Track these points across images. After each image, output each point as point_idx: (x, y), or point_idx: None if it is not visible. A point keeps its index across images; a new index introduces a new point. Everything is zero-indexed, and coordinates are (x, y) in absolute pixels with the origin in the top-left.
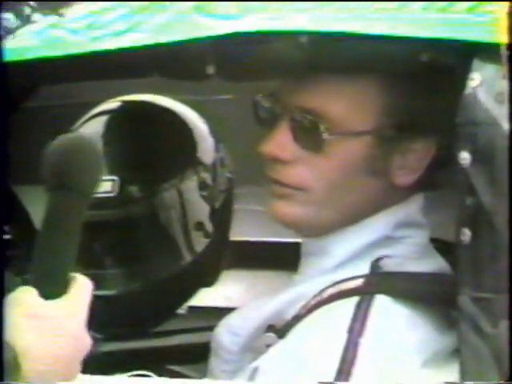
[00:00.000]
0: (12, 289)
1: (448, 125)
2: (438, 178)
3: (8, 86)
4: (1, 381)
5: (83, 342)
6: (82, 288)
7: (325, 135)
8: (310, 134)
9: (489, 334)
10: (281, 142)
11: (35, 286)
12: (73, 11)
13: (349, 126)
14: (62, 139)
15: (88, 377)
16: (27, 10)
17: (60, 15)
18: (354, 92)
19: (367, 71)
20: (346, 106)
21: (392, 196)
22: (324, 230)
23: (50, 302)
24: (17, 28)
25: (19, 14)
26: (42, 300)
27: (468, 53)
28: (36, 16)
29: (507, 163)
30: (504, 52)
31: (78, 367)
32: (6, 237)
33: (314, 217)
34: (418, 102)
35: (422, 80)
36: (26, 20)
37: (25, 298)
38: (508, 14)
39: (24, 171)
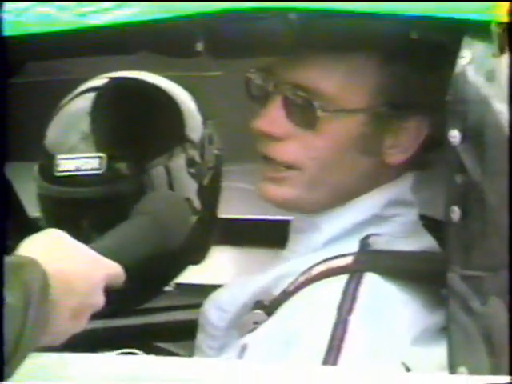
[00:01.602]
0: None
1: (440, 104)
2: (428, 158)
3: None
4: (1, 381)
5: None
6: None
7: (318, 112)
8: (303, 110)
9: (478, 311)
10: (273, 118)
11: None
12: None
13: (342, 103)
14: None
15: (75, 355)
16: None
17: None
18: (347, 69)
19: (357, 48)
20: (340, 83)
21: (383, 175)
22: (314, 208)
23: None
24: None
25: None
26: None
27: (458, 30)
28: None
29: (500, 144)
30: (495, 29)
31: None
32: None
33: (305, 197)
34: (411, 81)
35: (415, 59)
36: None
37: (58, 232)
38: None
39: (12, 148)
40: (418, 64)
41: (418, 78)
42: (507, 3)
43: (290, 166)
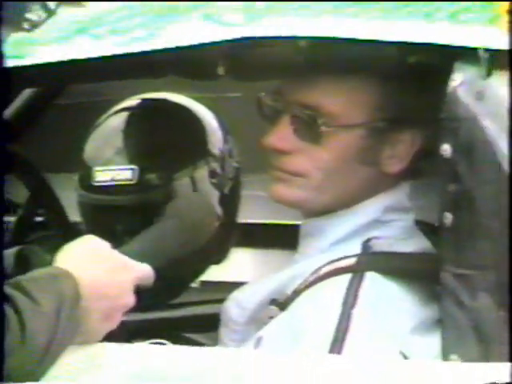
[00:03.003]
0: (40, 266)
1: (432, 118)
2: (422, 167)
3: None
4: (1, 381)
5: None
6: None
7: (322, 128)
8: (308, 127)
9: (468, 306)
10: (282, 135)
11: None
12: (95, 13)
13: (344, 119)
14: None
15: (111, 344)
16: (51, 5)
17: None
18: (348, 89)
19: (358, 71)
20: (342, 101)
21: (382, 183)
22: (320, 210)
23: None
24: (42, 22)
25: (43, 8)
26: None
27: (451, 56)
28: (59, 9)
29: (488, 157)
30: (483, 55)
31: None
32: (39, 219)
33: (311, 200)
34: (406, 99)
35: (410, 79)
36: (49, 13)
37: (93, 240)
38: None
39: (56, 161)
40: (413, 84)
41: (413, 96)
42: (507, 3)
43: (297, 175)
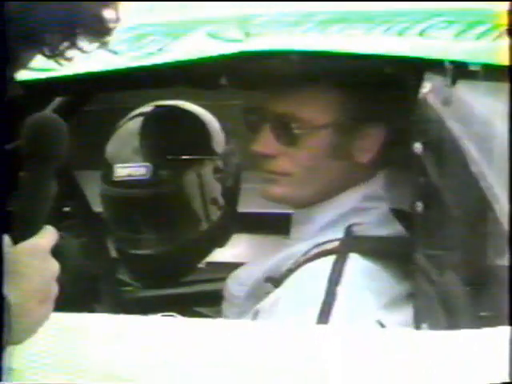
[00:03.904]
0: (68, 249)
1: (392, 116)
2: (395, 161)
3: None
4: (0, 381)
5: (48, 270)
6: (44, 232)
7: (296, 131)
8: (285, 132)
9: (437, 282)
10: (265, 142)
11: (15, 235)
12: (114, 37)
13: (314, 122)
14: (33, 117)
15: (128, 316)
16: (76, 38)
17: (104, 43)
18: (319, 97)
19: (334, 83)
20: (312, 107)
21: (359, 175)
22: (304, 203)
23: (17, 246)
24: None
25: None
26: (9, 245)
27: (421, 67)
28: (84, 43)
29: (453, 154)
30: (448, 66)
31: (52, 295)
32: (65, 209)
33: (296, 195)
34: (367, 101)
35: (369, 86)
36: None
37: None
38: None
39: (84, 160)
40: (371, 91)
41: (372, 100)
42: (507, 3)
43: (282, 174)
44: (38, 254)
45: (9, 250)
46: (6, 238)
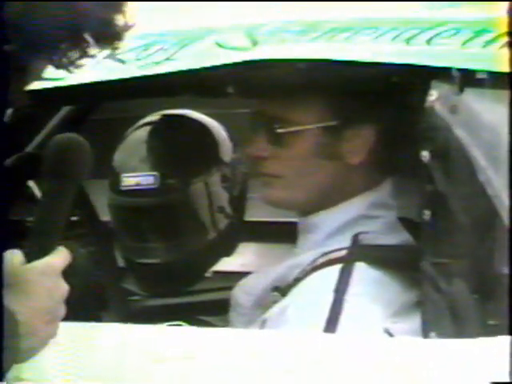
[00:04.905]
0: (77, 259)
1: (384, 119)
2: (397, 164)
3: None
4: (0, 381)
5: (58, 291)
6: (57, 253)
7: (282, 131)
8: (276, 134)
9: (445, 290)
10: (259, 145)
11: (28, 254)
12: (123, 45)
13: (301, 122)
14: (57, 138)
15: (135, 325)
16: (85, 45)
17: (114, 49)
18: (307, 102)
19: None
20: (300, 110)
21: (360, 180)
22: (303, 208)
23: (27, 265)
24: (78, 60)
25: (79, 49)
26: (21, 261)
27: (428, 75)
28: (93, 50)
29: (460, 162)
30: (456, 74)
31: (60, 316)
32: (73, 218)
33: (290, 198)
34: (355, 104)
35: (360, 88)
36: (84, 53)
37: (10, 264)
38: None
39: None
40: (357, 94)
41: (358, 103)
42: (507, 3)
43: (274, 176)
44: (49, 275)
45: (20, 267)
46: (19, 254)
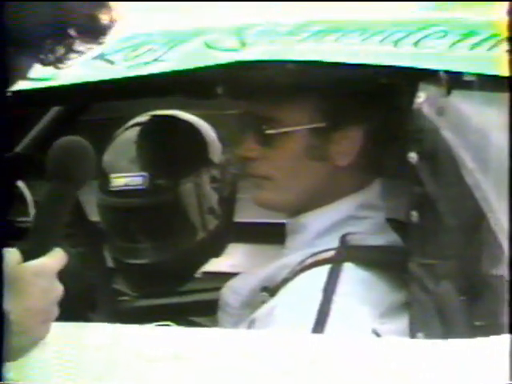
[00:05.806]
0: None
1: (372, 120)
2: (385, 165)
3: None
4: (0, 381)
5: (52, 292)
6: (53, 254)
7: (273, 132)
8: (264, 135)
9: (432, 291)
10: (249, 146)
11: (25, 254)
12: (109, 42)
13: (291, 124)
14: (61, 141)
15: (123, 326)
16: (71, 40)
17: (99, 44)
18: (296, 103)
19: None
20: (289, 112)
21: (349, 181)
22: (292, 209)
23: (23, 264)
24: (64, 57)
25: (65, 45)
26: (17, 260)
27: (416, 77)
28: (79, 46)
29: (448, 163)
30: (443, 76)
31: (53, 317)
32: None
33: (280, 199)
34: (344, 105)
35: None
36: (70, 49)
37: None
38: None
39: None
40: (345, 97)
41: (346, 106)
42: (507, 3)
43: (264, 177)
44: (44, 275)
45: (16, 266)
46: (16, 252)
